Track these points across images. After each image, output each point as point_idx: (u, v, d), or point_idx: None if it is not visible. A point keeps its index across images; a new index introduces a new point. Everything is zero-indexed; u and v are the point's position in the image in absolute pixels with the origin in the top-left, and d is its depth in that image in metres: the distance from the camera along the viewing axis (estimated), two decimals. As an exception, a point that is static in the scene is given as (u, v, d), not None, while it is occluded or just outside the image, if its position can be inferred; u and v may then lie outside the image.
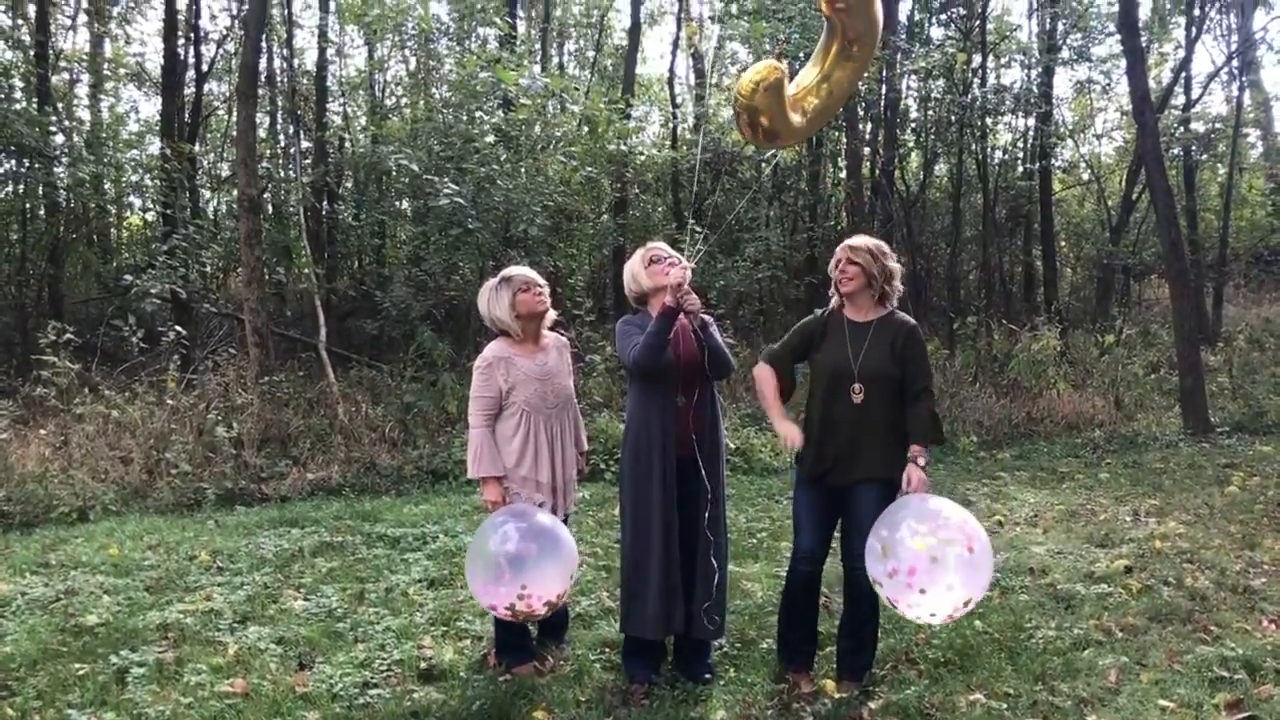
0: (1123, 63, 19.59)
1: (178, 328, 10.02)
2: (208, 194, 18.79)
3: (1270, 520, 7.22)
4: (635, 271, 4.52)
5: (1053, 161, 18.40)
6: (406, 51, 18.67)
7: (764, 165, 18.24)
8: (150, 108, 19.97)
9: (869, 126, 16.63)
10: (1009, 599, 5.52)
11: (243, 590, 5.87)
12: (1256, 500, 7.86)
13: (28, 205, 15.07)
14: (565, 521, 4.58)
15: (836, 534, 4.49)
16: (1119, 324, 14.37)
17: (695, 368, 4.38)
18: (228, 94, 19.38)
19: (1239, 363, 14.43)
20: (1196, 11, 17.89)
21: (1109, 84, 19.46)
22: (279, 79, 17.78)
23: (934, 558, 3.72)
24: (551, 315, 4.73)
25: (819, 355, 4.41)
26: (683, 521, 4.38)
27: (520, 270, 4.67)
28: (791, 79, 4.04)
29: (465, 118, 11.91)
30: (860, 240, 4.40)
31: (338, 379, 12.16)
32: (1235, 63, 19.58)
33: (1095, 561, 6.24)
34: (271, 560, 6.56)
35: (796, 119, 4.01)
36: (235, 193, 10.92)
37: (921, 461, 4.20)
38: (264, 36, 16.36)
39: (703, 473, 4.36)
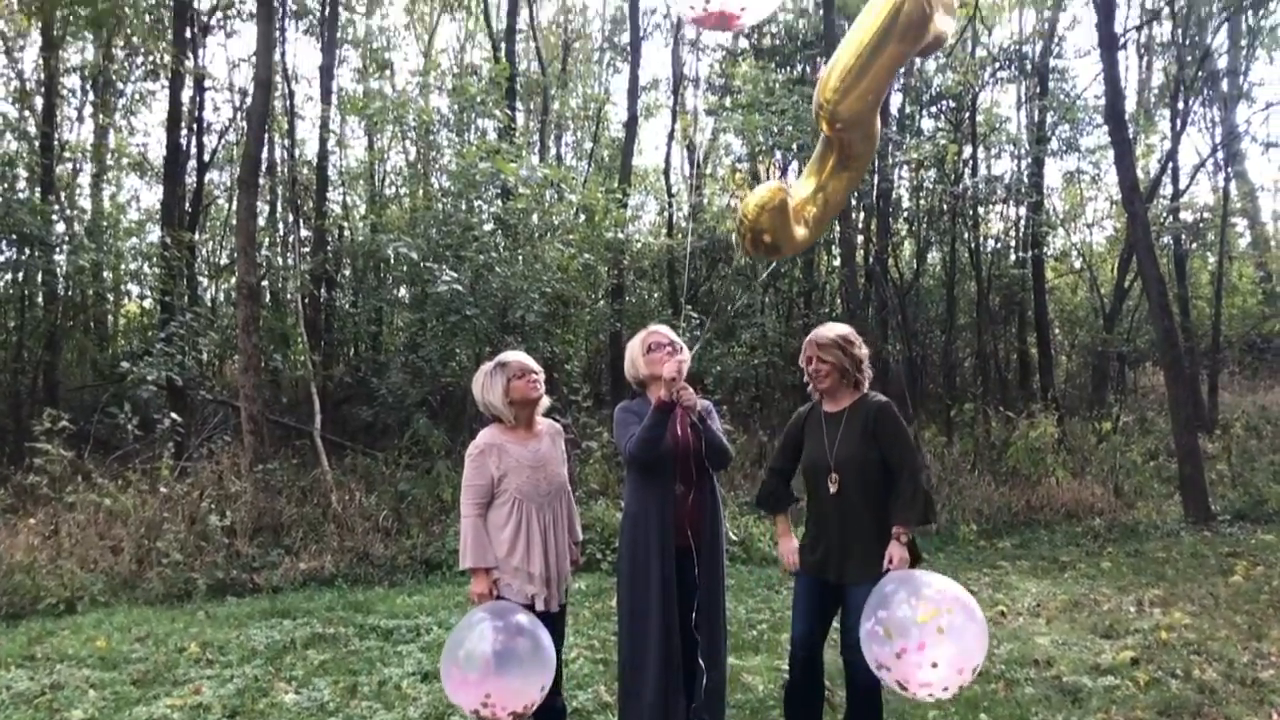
0: (1111, 153, 20.03)
1: (173, 415, 9.97)
2: (206, 281, 18.91)
3: (1276, 611, 7.12)
4: (634, 357, 4.53)
5: (1045, 250, 18.58)
6: (407, 142, 18.99)
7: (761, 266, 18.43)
8: (151, 196, 20.27)
9: (862, 215, 16.85)
10: (1014, 691, 5.41)
11: (233, 684, 5.75)
12: (1261, 590, 7.76)
13: (26, 293, 15.14)
14: (560, 612, 4.49)
15: (836, 622, 4.41)
16: (1116, 411, 14.35)
17: (693, 456, 4.35)
18: (228, 183, 19.64)
19: (1237, 450, 14.39)
20: (1181, 105, 18.22)
21: (1098, 174, 19.76)
22: (279, 169, 18.02)
23: (940, 628, 3.65)
24: (546, 402, 4.65)
25: (804, 452, 4.46)
26: (683, 614, 4.31)
27: (515, 356, 4.59)
28: (784, 173, 4.12)
29: (464, 206, 12.05)
30: (827, 334, 4.43)
31: (332, 467, 12.07)
32: (1220, 155, 19.91)
33: (1100, 653, 6.13)
34: (262, 652, 6.43)
35: (800, 231, 4.06)
36: (234, 280, 10.96)
37: (905, 539, 4.14)
38: (266, 127, 16.67)
39: (696, 567, 4.30)
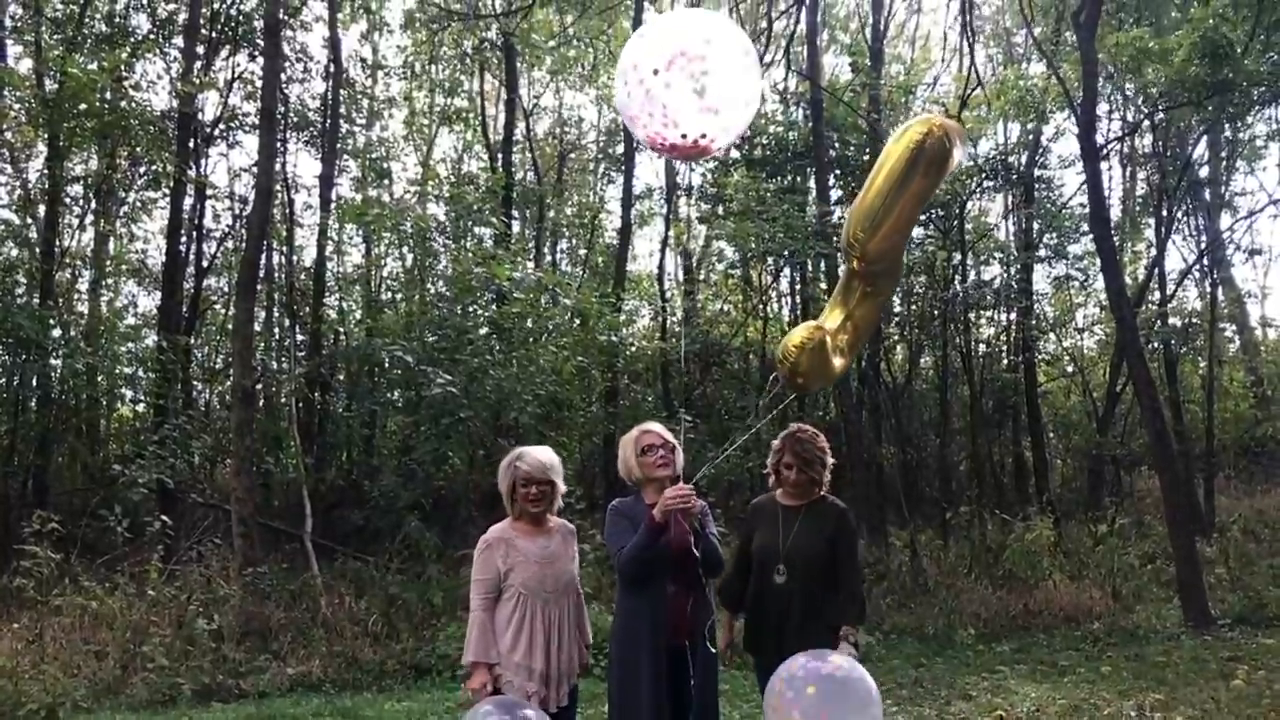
0: (1098, 259, 20.37)
1: (164, 517, 9.91)
2: (200, 385, 18.96)
3: (1276, 715, 7.00)
4: (627, 457, 4.53)
5: (1035, 354, 18.75)
6: (404, 249, 19.29)
7: (764, 394, 18.57)
8: (149, 301, 20.37)
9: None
10: (1015, 799, 5.30)
11: (214, 792, 5.61)
12: (1263, 695, 7.65)
13: (20, 396, 15.17)
14: (562, 714, 4.43)
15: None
16: (1112, 514, 14.30)
17: (688, 555, 4.33)
18: (226, 289, 19.86)
19: (1235, 554, 14.29)
20: (1165, 213, 18.61)
21: (1086, 279, 20.05)
22: (277, 274, 18.25)
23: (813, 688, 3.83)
24: (558, 503, 4.63)
25: (755, 537, 4.64)
26: (676, 716, 4.24)
27: (531, 462, 4.50)
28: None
29: (460, 311, 12.20)
30: (804, 433, 4.64)
31: (322, 571, 11.95)
32: (1205, 262, 20.26)
33: (1102, 759, 6.01)
34: (246, 760, 6.29)
35: (837, 362, 4.19)
36: (229, 383, 11.04)
37: (851, 639, 4.33)
38: (265, 235, 16.95)
39: (691, 666, 4.26)
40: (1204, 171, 20.70)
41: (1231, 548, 14.01)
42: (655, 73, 3.83)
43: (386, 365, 13.03)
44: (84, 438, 17.78)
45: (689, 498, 4.15)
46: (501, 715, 3.93)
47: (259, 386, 16.79)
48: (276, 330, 19.61)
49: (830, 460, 4.67)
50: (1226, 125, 18.57)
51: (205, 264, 17.96)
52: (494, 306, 12.17)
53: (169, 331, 14.59)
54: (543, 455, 4.55)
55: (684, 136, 3.95)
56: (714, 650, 4.36)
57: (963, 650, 10.11)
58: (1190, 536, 11.63)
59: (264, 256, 18.03)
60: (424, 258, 16.68)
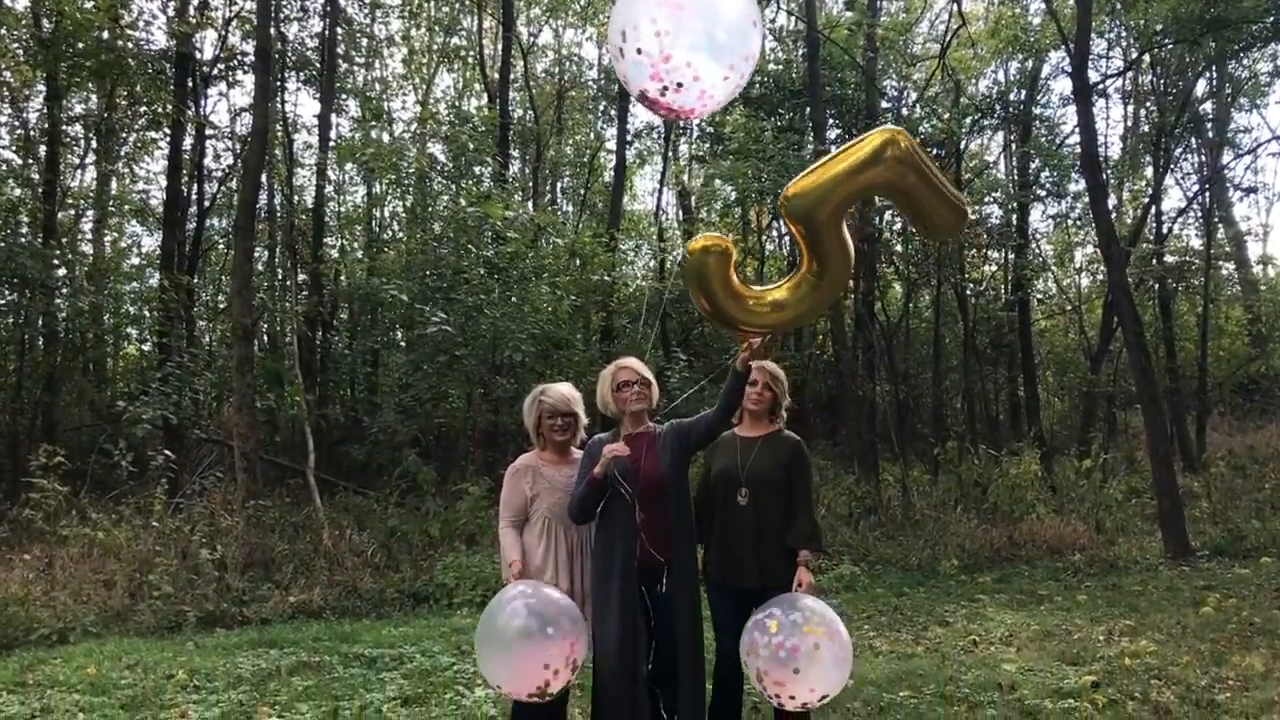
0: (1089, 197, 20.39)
1: (167, 452, 10.17)
2: (203, 324, 19.18)
3: (1240, 639, 7.28)
4: (603, 393, 4.71)
5: (1030, 293, 18.87)
6: (402, 189, 19.36)
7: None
8: (151, 242, 20.51)
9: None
10: (976, 714, 5.57)
11: (217, 708, 5.91)
12: (1230, 620, 7.92)
13: (26, 335, 15.40)
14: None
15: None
16: (1096, 449, 14.53)
17: (656, 484, 4.52)
18: (227, 229, 19.98)
19: (1221, 488, 14.55)
20: (1163, 151, 18.61)
21: (1084, 217, 20.08)
22: (278, 214, 18.35)
23: (817, 645, 4.14)
24: (580, 435, 4.86)
25: (714, 468, 4.86)
26: (657, 639, 4.45)
27: (555, 396, 4.77)
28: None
29: (456, 250, 12.33)
30: (772, 366, 4.92)
31: (324, 504, 12.26)
32: (1204, 199, 20.28)
33: (1064, 678, 6.29)
34: (248, 679, 6.59)
35: (743, 305, 4.27)
36: (230, 322, 11.23)
37: (810, 565, 4.66)
38: (266, 174, 17.03)
39: (664, 584, 4.46)
40: (1205, 108, 20.65)
41: (1215, 482, 14.24)
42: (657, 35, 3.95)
43: (387, 303, 13.18)
44: (90, 376, 18.08)
45: (621, 449, 4.38)
46: (532, 591, 4.28)
47: (262, 325, 17.04)
48: (279, 271, 19.79)
49: (788, 400, 4.94)
50: (1229, 61, 18.52)
51: (207, 204, 18.05)
52: (490, 247, 12.30)
53: (171, 271, 14.77)
54: (565, 390, 4.85)
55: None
56: (689, 580, 4.54)
57: (945, 580, 10.41)
58: (1171, 470, 11.87)
59: (264, 196, 18.17)
60: (422, 197, 16.81)
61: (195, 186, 18.13)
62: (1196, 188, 21.45)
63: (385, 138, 18.33)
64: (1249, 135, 21.11)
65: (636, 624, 4.40)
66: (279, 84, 17.99)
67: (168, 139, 16.27)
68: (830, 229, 4.11)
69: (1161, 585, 9.76)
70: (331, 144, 17.58)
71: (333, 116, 17.96)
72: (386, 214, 21.82)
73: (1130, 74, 19.09)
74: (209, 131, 17.56)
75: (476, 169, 16.30)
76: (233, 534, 9.88)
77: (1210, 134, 21.74)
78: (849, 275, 4.53)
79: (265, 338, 18.48)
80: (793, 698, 4.18)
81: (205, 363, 13.21)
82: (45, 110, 15.83)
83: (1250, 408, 23.82)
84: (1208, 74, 19.64)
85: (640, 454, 4.54)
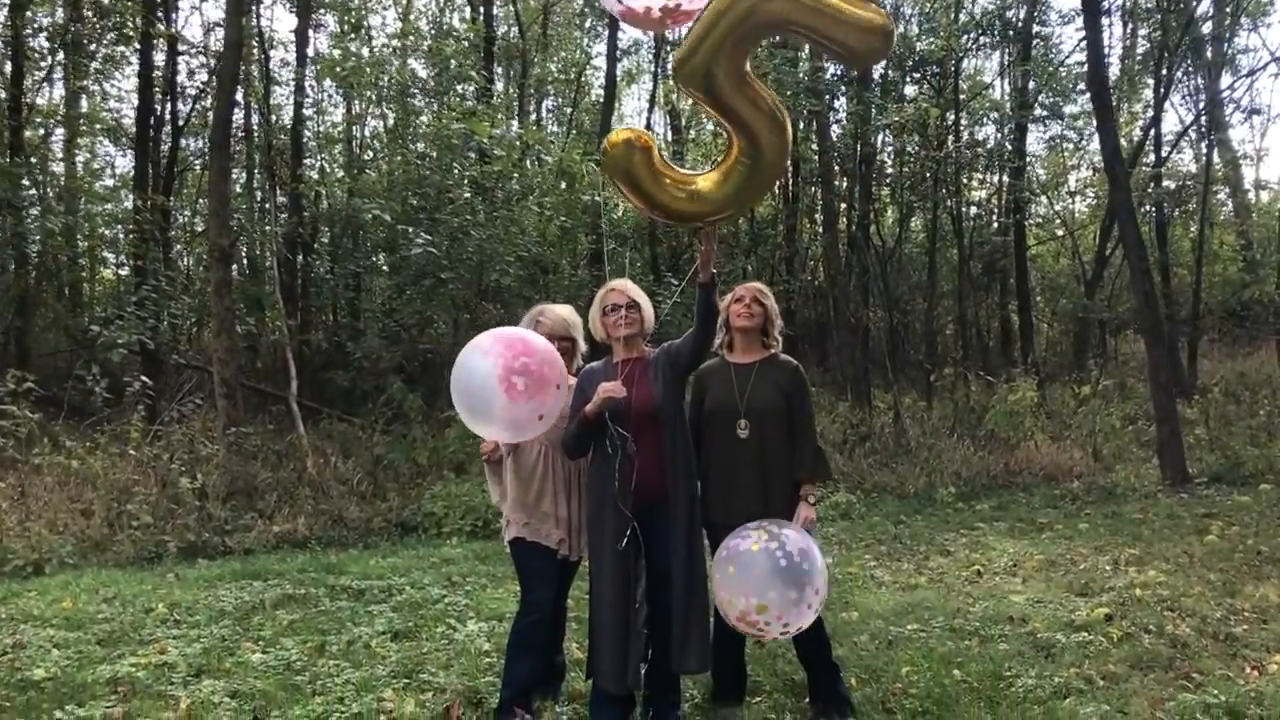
0: (1094, 120, 19.96)
1: (143, 378, 9.83)
2: (180, 248, 18.68)
3: (1249, 568, 7.12)
4: (593, 317, 4.43)
5: (1026, 216, 18.53)
6: (384, 106, 18.75)
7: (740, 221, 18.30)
8: (125, 162, 19.86)
9: (845, 181, 16.73)
10: (988, 648, 5.38)
11: (199, 643, 5.67)
12: (1236, 549, 7.76)
13: (-3, 257, 14.93)
14: (578, 564, 4.54)
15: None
16: (1095, 375, 14.35)
17: (650, 413, 4.23)
18: (204, 149, 19.34)
19: (1215, 414, 14.40)
20: (1164, 71, 18.14)
21: (1081, 141, 19.68)
22: (255, 133, 17.76)
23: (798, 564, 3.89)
24: (578, 361, 4.64)
25: (707, 398, 4.53)
26: (654, 574, 4.21)
27: (553, 316, 4.57)
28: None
29: (441, 170, 11.88)
30: (763, 286, 4.69)
31: (308, 432, 11.98)
32: (1203, 121, 19.85)
33: (1075, 610, 6.10)
34: (231, 613, 6.35)
35: (672, 195, 3.89)
36: (207, 244, 10.81)
37: (812, 499, 4.39)
38: (243, 92, 16.43)
39: (667, 518, 4.21)
40: (1206, 29, 20.13)
41: (1212, 409, 14.07)
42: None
43: (369, 226, 12.76)
44: (65, 300, 17.60)
45: (616, 390, 4.09)
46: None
47: (241, 247, 16.59)
48: (258, 193, 19.23)
49: (780, 323, 4.65)
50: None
51: (181, 123, 17.44)
52: (475, 166, 11.83)
53: (145, 192, 14.26)
54: (565, 312, 4.63)
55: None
56: (687, 514, 4.28)
57: (942, 508, 10.24)
58: (1172, 398, 11.68)
59: (242, 116, 17.60)
60: (404, 115, 16.26)
61: (169, 104, 17.51)
62: (1195, 110, 21.06)
63: (365, 53, 17.65)
64: (1248, 56, 20.62)
65: (628, 561, 4.15)
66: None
67: (138, 54, 15.60)
68: (737, 88, 3.67)
69: (1162, 513, 9.61)
70: (310, 60, 16.95)
71: (310, 32, 17.28)
72: (367, 134, 21.21)
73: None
74: (181, 47, 16.90)
75: (460, 86, 15.76)
76: (213, 462, 9.60)
77: (1209, 55, 21.28)
78: (786, 146, 3.97)
79: (245, 261, 18.05)
80: (745, 598, 3.88)
81: (183, 286, 12.78)
82: (9, 22, 15.13)
83: (1239, 334, 23.71)
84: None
85: (632, 381, 4.25)
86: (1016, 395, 12.62)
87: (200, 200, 20.36)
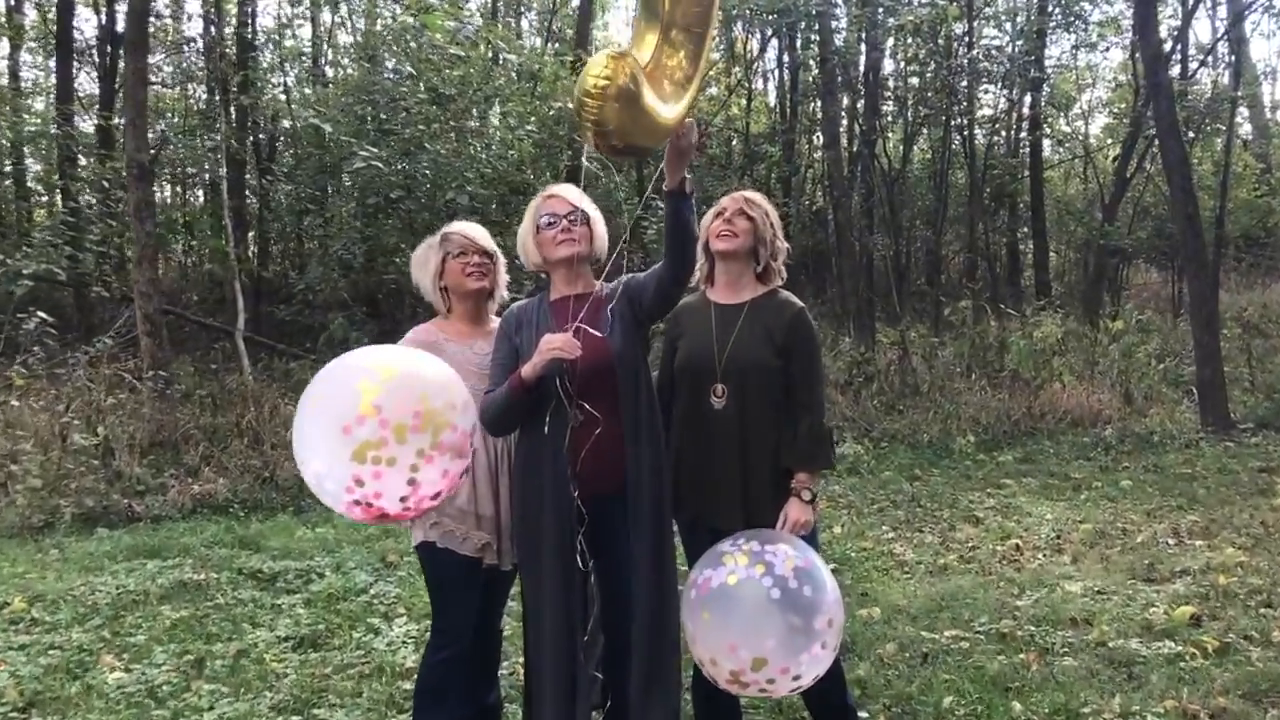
0: (1112, 35, 18.48)
1: (41, 314, 8.50)
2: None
3: (1341, 542, 5.96)
4: (523, 236, 3.17)
5: (1050, 134, 17.09)
6: (356, 18, 17.21)
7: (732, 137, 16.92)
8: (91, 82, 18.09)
9: (847, 96, 15.29)
10: (1052, 665, 4.20)
11: (48, 656, 4.48)
12: (1316, 516, 6.60)
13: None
14: (514, 574, 3.30)
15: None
16: (1128, 309, 13.09)
17: (601, 368, 2.99)
18: (164, 66, 17.78)
19: (1242, 350, 13.12)
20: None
21: (1106, 49, 18.11)
22: (198, 41, 16.19)
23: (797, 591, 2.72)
24: (501, 295, 3.44)
25: (680, 348, 3.31)
26: (608, 595, 3.02)
27: (462, 230, 3.39)
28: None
29: (393, 76, 10.45)
30: (756, 195, 3.35)
31: (258, 372, 10.74)
32: (1236, 32, 18.32)
33: (1149, 605, 4.91)
34: (104, 609, 5.14)
35: (669, 109, 2.65)
36: (124, 159, 9.43)
37: (806, 496, 3.11)
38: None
39: (629, 520, 3.00)
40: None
41: (1251, 343, 12.84)
42: None
43: (311, 138, 11.34)
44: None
45: (570, 345, 2.84)
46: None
47: (190, 169, 15.14)
48: (209, 105, 17.64)
49: (784, 244, 3.35)
50: None
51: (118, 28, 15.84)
52: (435, 69, 10.34)
53: (66, 103, 12.77)
54: (476, 228, 3.42)
55: None
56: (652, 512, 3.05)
57: (961, 460, 9.04)
58: (1215, 334, 10.47)
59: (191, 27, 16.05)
60: (371, 22, 14.77)
61: (105, 11, 15.94)
62: (1213, 23, 19.57)
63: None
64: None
65: (573, 581, 2.96)
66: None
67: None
68: None
69: (1211, 466, 8.46)
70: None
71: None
72: (338, 48, 19.56)
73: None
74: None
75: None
76: (127, 410, 8.33)
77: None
78: None
79: (209, 186, 16.62)
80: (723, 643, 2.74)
81: (106, 210, 11.35)
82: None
83: (1254, 263, 22.47)
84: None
85: (579, 326, 2.99)
86: (1041, 331, 11.36)
87: (163, 120, 18.78)
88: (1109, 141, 20.76)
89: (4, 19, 17.30)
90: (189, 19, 17.77)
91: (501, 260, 3.40)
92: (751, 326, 3.21)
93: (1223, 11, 20.33)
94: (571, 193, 3.14)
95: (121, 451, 7.81)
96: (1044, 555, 5.98)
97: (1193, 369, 11.49)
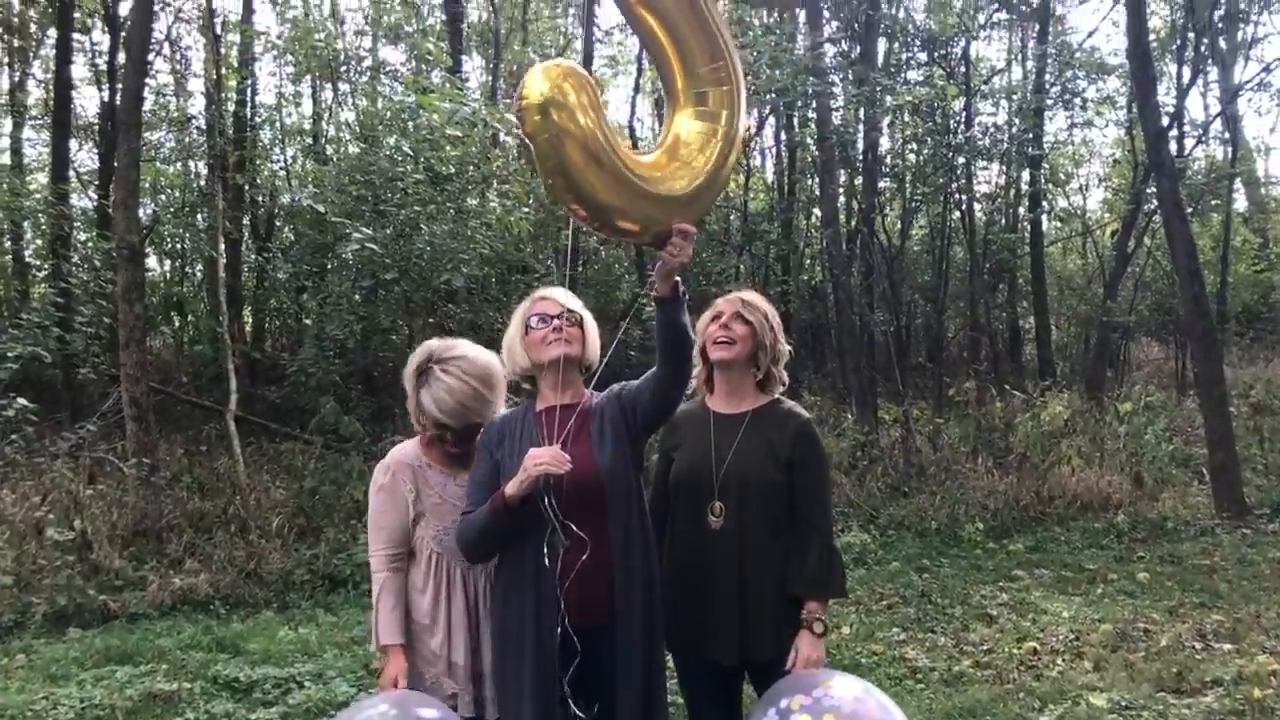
0: (1109, 112, 18.51)
1: (21, 400, 8.26)
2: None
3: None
4: (510, 341, 2.97)
5: (1051, 211, 17.04)
6: (358, 98, 17.28)
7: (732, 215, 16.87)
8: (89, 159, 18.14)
9: (845, 173, 15.25)
10: (1082, 796, 3.91)
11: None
12: (1349, 616, 6.32)
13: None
14: None
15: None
16: (1136, 389, 12.88)
17: (589, 486, 2.76)
18: (161, 142, 17.83)
19: (1250, 430, 12.84)
20: (1191, 53, 16.68)
21: (1106, 124, 18.14)
22: (198, 119, 16.22)
23: None
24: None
25: (677, 460, 3.10)
26: None
27: (458, 355, 3.01)
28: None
29: (392, 156, 10.37)
30: (754, 296, 3.13)
31: (249, 455, 10.47)
32: (1231, 109, 18.45)
33: (1181, 722, 4.63)
34: (64, 728, 4.83)
35: (597, 177, 2.53)
36: (114, 240, 9.27)
37: (819, 629, 2.87)
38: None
39: (615, 656, 2.75)
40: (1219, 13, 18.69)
41: (1262, 425, 12.60)
42: None
43: (304, 218, 11.21)
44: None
45: (558, 460, 2.63)
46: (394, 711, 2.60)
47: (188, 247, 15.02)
48: (209, 184, 17.63)
49: (785, 346, 3.14)
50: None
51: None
52: (433, 150, 10.26)
53: (66, 182, 12.69)
54: (458, 351, 3.07)
55: None
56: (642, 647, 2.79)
57: (971, 549, 8.76)
58: (1227, 415, 10.27)
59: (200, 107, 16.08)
60: (374, 99, 14.78)
61: (108, 88, 15.96)
62: (1209, 98, 19.71)
63: (323, 29, 16.09)
64: (1267, 43, 19.24)
65: (554, 709, 2.70)
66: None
67: (55, 24, 14.00)
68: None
69: (1230, 556, 8.20)
70: (263, 33, 15.44)
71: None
72: (338, 129, 19.63)
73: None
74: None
75: (434, 75, 14.30)
76: (109, 499, 8.06)
77: (1222, 40, 19.90)
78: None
79: (209, 265, 16.53)
80: None
81: (98, 290, 11.18)
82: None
83: (1261, 337, 22.36)
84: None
85: (566, 438, 2.76)
86: (1049, 412, 11.12)
87: (162, 195, 18.77)
88: (1108, 216, 20.73)
89: (7, 97, 17.42)
90: (190, 96, 17.85)
91: (498, 397, 3.08)
92: (753, 438, 3.00)
93: (1216, 90, 20.59)
94: (562, 295, 2.94)
95: (101, 543, 7.52)
96: (1064, 660, 5.69)
97: (1202, 449, 11.27)
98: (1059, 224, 19.78)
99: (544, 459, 2.62)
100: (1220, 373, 10.52)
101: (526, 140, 2.52)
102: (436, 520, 2.97)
